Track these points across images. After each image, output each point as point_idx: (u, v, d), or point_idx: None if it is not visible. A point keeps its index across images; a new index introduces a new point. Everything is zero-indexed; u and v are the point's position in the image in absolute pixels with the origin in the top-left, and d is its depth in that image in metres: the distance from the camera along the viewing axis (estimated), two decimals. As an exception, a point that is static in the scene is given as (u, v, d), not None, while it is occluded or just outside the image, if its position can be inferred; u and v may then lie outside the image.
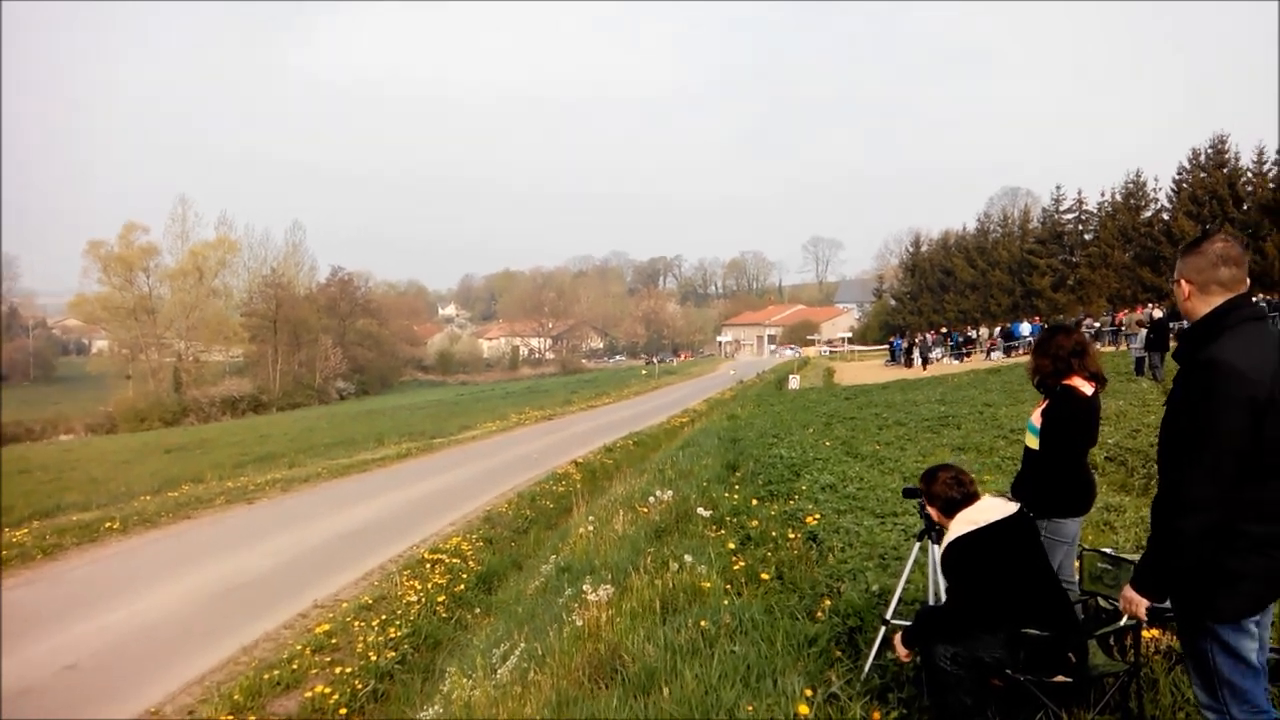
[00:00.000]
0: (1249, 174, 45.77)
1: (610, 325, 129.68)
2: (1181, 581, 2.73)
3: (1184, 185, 48.52)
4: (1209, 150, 47.49)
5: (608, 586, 5.89)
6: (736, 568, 6.39)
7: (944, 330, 50.03)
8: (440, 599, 9.61)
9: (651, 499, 9.38)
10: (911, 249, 72.96)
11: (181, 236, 76.68)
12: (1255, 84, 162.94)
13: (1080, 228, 56.41)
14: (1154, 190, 51.31)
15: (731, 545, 7.12)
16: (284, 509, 15.70)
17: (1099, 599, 3.97)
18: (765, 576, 6.10)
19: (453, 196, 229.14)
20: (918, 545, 4.42)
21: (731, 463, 11.91)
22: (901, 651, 3.72)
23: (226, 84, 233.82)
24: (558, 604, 6.67)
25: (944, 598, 3.84)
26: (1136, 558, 3.16)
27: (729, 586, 5.96)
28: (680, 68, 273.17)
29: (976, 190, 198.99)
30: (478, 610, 9.57)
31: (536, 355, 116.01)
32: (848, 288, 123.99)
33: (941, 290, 63.36)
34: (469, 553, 11.55)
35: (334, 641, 8.45)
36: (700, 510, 8.33)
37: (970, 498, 3.71)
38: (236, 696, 7.20)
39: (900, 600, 4.41)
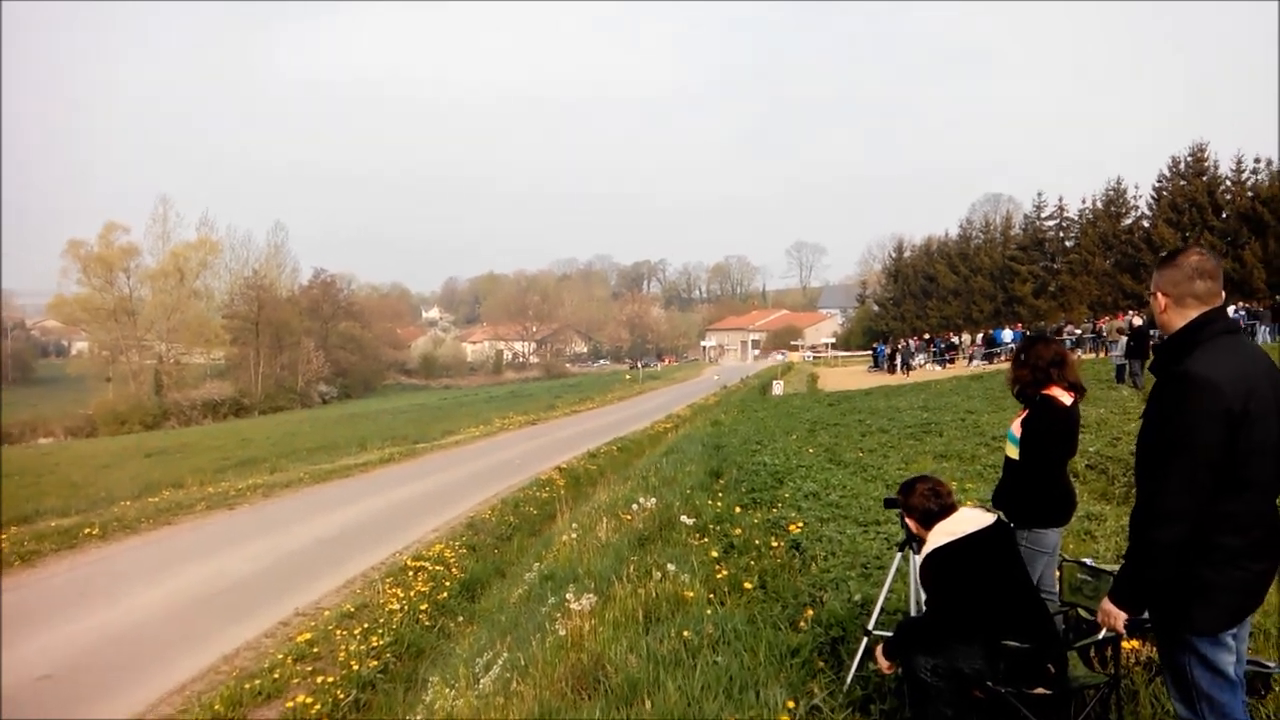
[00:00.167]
0: (1228, 182, 46.16)
1: (594, 329, 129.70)
2: (1159, 594, 2.76)
3: (1164, 193, 48.92)
4: (1188, 159, 47.91)
5: (591, 595, 5.88)
6: (720, 576, 6.39)
7: (927, 336, 50.25)
8: (423, 607, 9.57)
9: (635, 506, 9.39)
10: (894, 255, 73.30)
11: (162, 237, 76.27)
12: (1255, 84, 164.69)
13: (1061, 235, 56.78)
14: (1134, 198, 51.79)
15: (715, 553, 7.12)
16: (265, 515, 15.60)
17: (1079, 610, 4.00)
18: (748, 585, 6.11)
19: (444, 198, 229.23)
20: (899, 555, 4.44)
21: (715, 470, 11.91)
22: (883, 663, 3.74)
23: (215, 84, 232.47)
24: (541, 613, 6.66)
25: (924, 609, 3.87)
26: (1117, 568, 3.19)
27: (712, 595, 5.96)
28: (680, 68, 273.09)
29: (975, 191, 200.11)
30: (461, 618, 9.54)
31: (520, 359, 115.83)
32: (831, 293, 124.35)
33: (924, 296, 63.65)
34: (452, 560, 11.52)
35: (316, 650, 8.39)
36: (684, 518, 8.32)
37: (948, 509, 3.73)
38: (217, 706, 7.13)
39: (883, 610, 4.43)
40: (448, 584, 10.51)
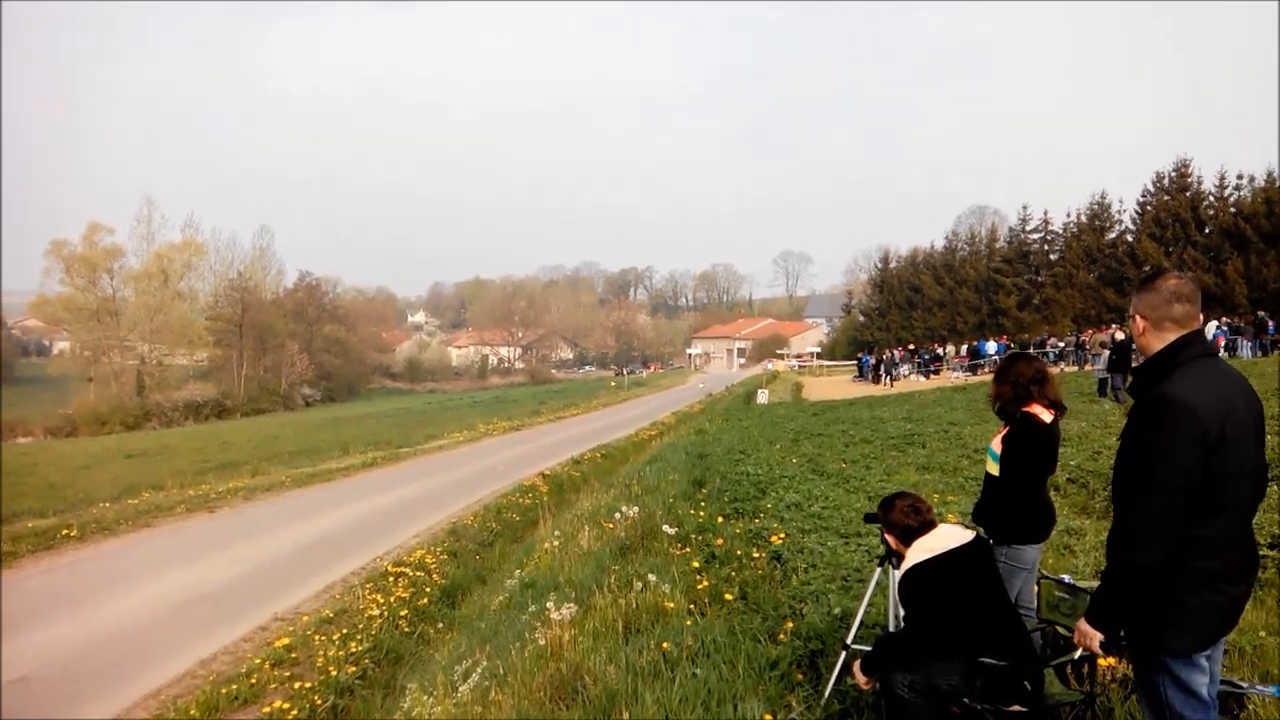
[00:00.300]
0: (1211, 198, 46.55)
1: (580, 336, 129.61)
2: (1134, 616, 2.77)
3: (1148, 208, 49.29)
4: (1172, 174, 48.30)
5: (571, 605, 5.88)
6: (700, 587, 6.39)
7: (911, 347, 50.43)
8: (403, 613, 9.54)
9: (617, 515, 9.37)
10: (880, 265, 73.52)
11: (147, 238, 75.66)
12: (1255, 84, 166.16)
13: (1046, 248, 57.11)
14: (1118, 212, 52.15)
15: (696, 564, 7.12)
16: (246, 518, 15.49)
17: (1057, 627, 4.01)
18: (729, 597, 6.11)
19: (438, 204, 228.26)
20: (879, 570, 4.44)
21: (698, 479, 11.91)
22: (860, 679, 3.74)
23: (208, 85, 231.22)
24: (521, 621, 6.64)
25: (902, 624, 3.87)
26: (1094, 585, 3.21)
27: (692, 606, 5.96)
28: (680, 68, 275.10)
29: (976, 190, 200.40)
30: (440, 625, 9.51)
31: (505, 364, 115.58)
32: (817, 302, 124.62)
33: (909, 307, 63.88)
34: (433, 566, 11.49)
35: (294, 656, 8.35)
36: (666, 527, 8.33)
37: (927, 526, 3.74)
38: (193, 712, 7.11)
39: (862, 624, 4.43)
40: (428, 590, 10.47)
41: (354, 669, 8.00)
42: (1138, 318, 2.92)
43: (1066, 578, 4.30)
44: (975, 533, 3.79)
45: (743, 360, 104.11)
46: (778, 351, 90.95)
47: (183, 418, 63.09)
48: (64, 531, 13.69)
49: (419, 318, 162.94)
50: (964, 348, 44.59)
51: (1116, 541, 2.76)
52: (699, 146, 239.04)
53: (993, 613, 3.57)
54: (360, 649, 8.41)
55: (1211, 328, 31.19)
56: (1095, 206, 52.82)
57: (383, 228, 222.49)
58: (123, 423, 59.97)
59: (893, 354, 46.84)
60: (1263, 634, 4.95)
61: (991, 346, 41.78)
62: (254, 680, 7.70)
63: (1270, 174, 43.41)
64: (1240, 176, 45.13)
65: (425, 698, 6.20)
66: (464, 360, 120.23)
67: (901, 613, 3.86)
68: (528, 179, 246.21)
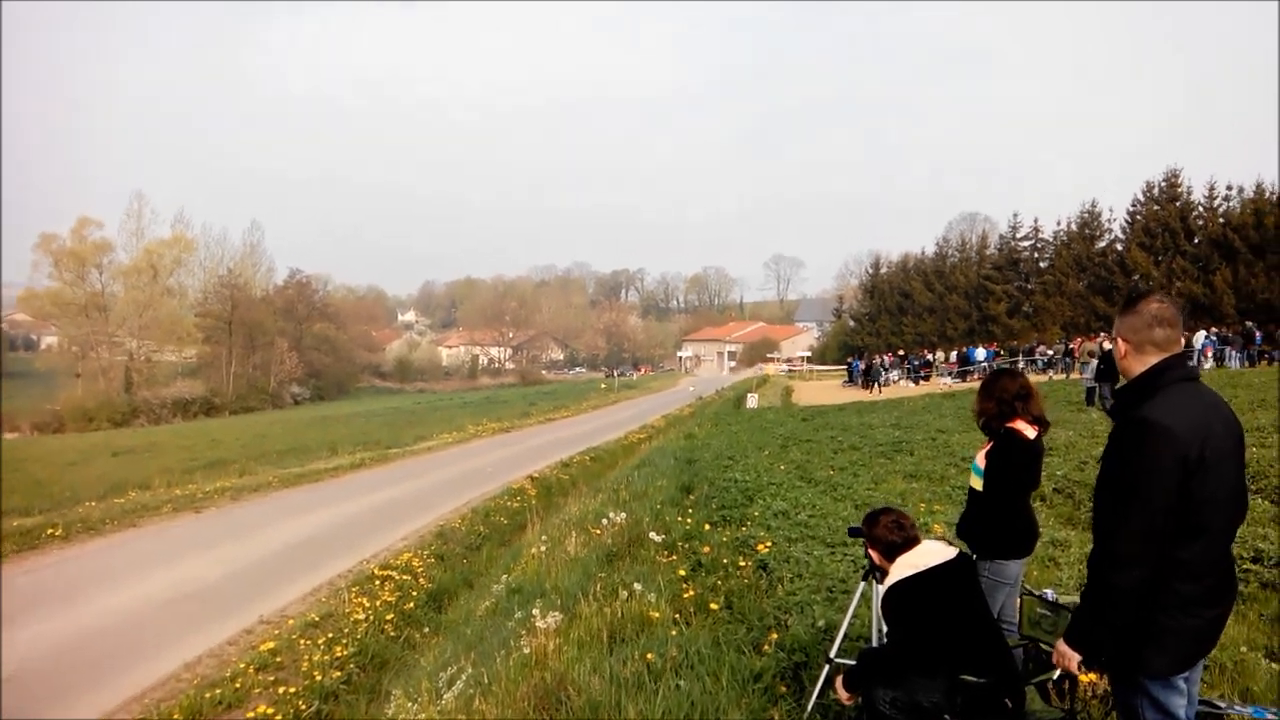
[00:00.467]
0: (1200, 208, 46.78)
1: (571, 337, 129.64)
2: (1114, 637, 2.79)
3: (1138, 217, 49.47)
4: (1162, 183, 48.50)
5: (556, 613, 5.88)
6: (686, 596, 6.40)
7: (901, 353, 50.55)
8: (389, 617, 9.52)
9: (605, 521, 9.38)
10: (871, 270, 73.70)
11: (136, 233, 75.46)
12: (1255, 84, 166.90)
13: (1036, 255, 57.28)
14: (1109, 221, 52.34)
15: (682, 572, 7.13)
16: (233, 519, 15.44)
17: (1039, 644, 4.03)
18: (714, 606, 6.11)
19: (434, 202, 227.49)
20: (863, 583, 4.45)
21: (686, 485, 11.93)
22: (842, 694, 3.75)
23: (205, 83, 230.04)
24: (507, 628, 6.65)
25: (885, 640, 3.89)
26: (1076, 600, 3.23)
27: (678, 616, 5.96)
28: (680, 68, 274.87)
29: (976, 191, 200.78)
30: (427, 629, 9.50)
31: (496, 365, 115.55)
32: (808, 306, 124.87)
33: (900, 313, 64.00)
34: (420, 569, 11.47)
35: (279, 659, 8.33)
36: (653, 535, 8.34)
37: (911, 541, 3.76)
38: (176, 715, 7.08)
39: (845, 637, 4.45)
40: (414, 594, 10.46)
41: (339, 673, 7.98)
42: (1120, 340, 2.95)
43: (1049, 593, 4.31)
44: (958, 549, 3.80)
45: (733, 363, 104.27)
46: (768, 355, 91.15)
47: (171, 415, 62.97)
48: (49, 530, 13.64)
49: (409, 317, 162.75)
50: (954, 354, 44.70)
51: (1097, 563, 2.78)
52: (699, 146, 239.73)
53: (975, 630, 3.59)
54: (345, 653, 8.39)
55: (1200, 338, 31.38)
56: (1085, 215, 53.03)
57: (377, 227, 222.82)
58: (110, 419, 59.81)
59: (882, 359, 46.94)
60: (1244, 649, 4.99)
61: (981, 353, 41.95)
62: (238, 684, 7.67)
63: (1259, 185, 43.68)
64: (1230, 187, 45.40)
65: (410, 704, 6.19)
66: (454, 360, 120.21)
67: (884, 628, 3.87)
68: (526, 179, 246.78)
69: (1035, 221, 57.59)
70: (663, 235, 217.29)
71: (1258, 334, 32.04)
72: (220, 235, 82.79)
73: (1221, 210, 45.66)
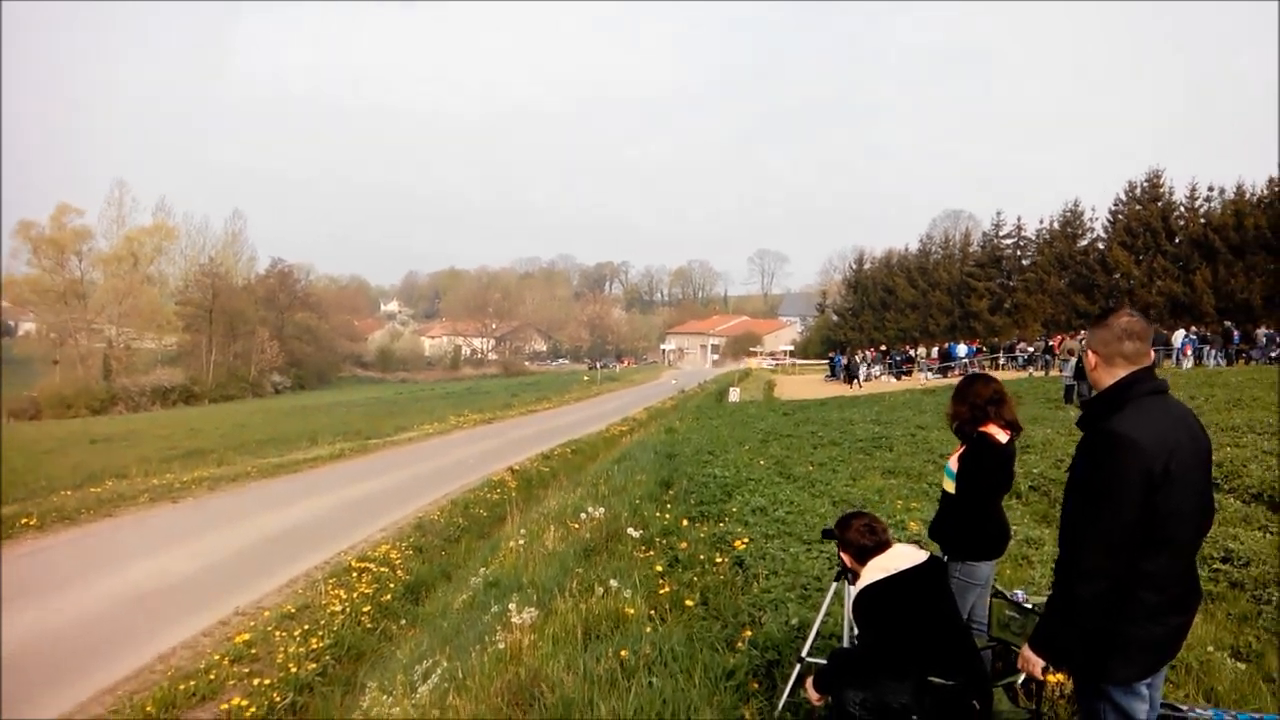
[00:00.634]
0: (1181, 208, 47.17)
1: (554, 328, 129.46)
2: (1078, 644, 2.83)
3: (1119, 216, 49.85)
4: (1144, 184, 48.87)
5: (532, 609, 5.89)
6: (662, 592, 6.42)
7: (884, 348, 50.75)
8: (365, 609, 9.51)
9: (583, 515, 9.39)
10: (855, 266, 73.91)
11: (117, 221, 75.09)
12: (1255, 84, 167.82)
13: (1018, 253, 57.63)
14: (1090, 220, 52.73)
15: (659, 567, 7.15)
16: (210, 509, 15.36)
17: (1009, 645, 4.07)
18: (690, 603, 6.14)
19: (433, 201, 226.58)
20: (835, 584, 4.47)
21: (665, 480, 11.94)
22: (812, 695, 3.78)
23: (200, 84, 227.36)
24: (483, 622, 6.65)
25: (856, 641, 3.91)
26: (1044, 600, 3.26)
27: (653, 612, 5.98)
28: (680, 68, 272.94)
29: (975, 191, 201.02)
30: (403, 622, 9.46)
31: (479, 355, 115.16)
32: (792, 301, 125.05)
33: (883, 308, 64.26)
34: (398, 561, 11.45)
35: (254, 651, 8.33)
36: (630, 530, 8.36)
37: (882, 545, 3.78)
38: (149, 708, 7.06)
39: (818, 635, 4.47)
40: (392, 586, 10.44)
41: (314, 665, 7.96)
42: (1090, 353, 2.99)
43: (1020, 593, 4.36)
44: (929, 553, 3.83)
45: (716, 357, 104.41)
46: (751, 349, 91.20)
47: (150, 403, 62.48)
48: (24, 520, 13.53)
49: (392, 307, 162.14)
50: (935, 350, 44.90)
51: (1062, 573, 2.82)
52: (698, 146, 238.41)
53: (944, 632, 3.62)
54: (321, 645, 8.38)
55: (1179, 336, 31.66)
56: (1068, 214, 53.42)
57: (375, 226, 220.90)
58: (88, 407, 59.29)
59: (864, 355, 47.11)
60: (1211, 649, 5.05)
61: (962, 349, 42.14)
62: (213, 676, 7.67)
63: (1240, 186, 44.11)
64: (1211, 188, 45.84)
65: (384, 698, 6.19)
66: (437, 350, 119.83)
67: (856, 630, 3.90)
68: (523, 178, 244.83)
69: (1018, 219, 58.05)
70: (658, 236, 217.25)
71: (1235, 333, 32.36)
72: (202, 224, 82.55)
73: (1202, 211, 46.10)
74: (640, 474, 12.65)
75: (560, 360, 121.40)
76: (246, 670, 7.87)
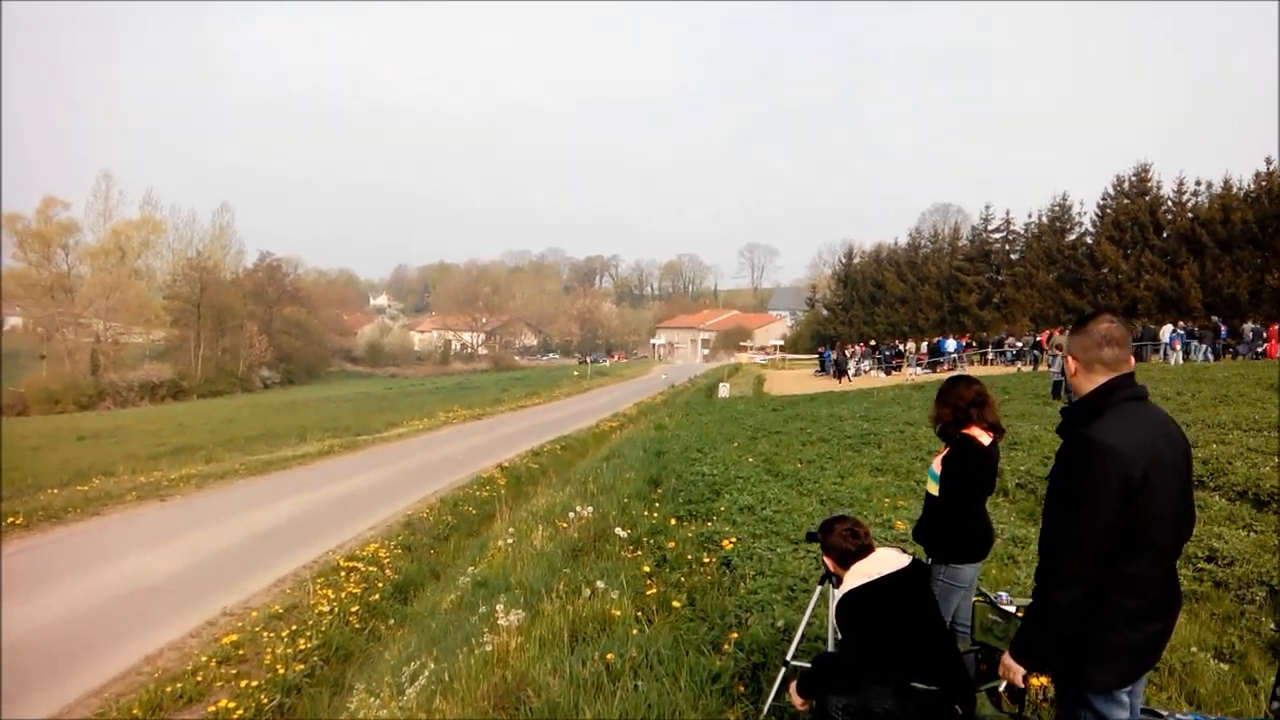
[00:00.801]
0: (1169, 203, 47.34)
1: (545, 323, 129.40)
2: (1058, 650, 2.84)
3: (1107, 211, 50.00)
4: (1132, 178, 49.03)
5: (519, 611, 5.89)
6: (650, 593, 6.43)
7: (873, 343, 50.86)
8: (354, 609, 9.51)
9: (571, 514, 9.39)
10: (844, 260, 74.01)
11: (104, 214, 74.65)
12: (1255, 84, 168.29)
13: (1007, 247, 57.78)
14: (1079, 214, 52.90)
15: (647, 568, 7.16)
16: (198, 508, 15.30)
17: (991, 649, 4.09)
18: (677, 604, 6.15)
19: (433, 201, 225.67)
20: (820, 587, 4.48)
21: (654, 478, 11.95)
22: (796, 700, 3.79)
23: (197, 83, 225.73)
24: (470, 623, 6.65)
25: (839, 646, 3.93)
26: (1027, 603, 3.28)
27: (640, 614, 5.99)
28: (680, 68, 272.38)
29: (973, 193, 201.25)
30: (392, 621, 9.48)
31: (469, 350, 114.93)
32: (782, 295, 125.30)
33: (872, 303, 64.37)
34: (386, 560, 11.44)
35: (241, 652, 8.33)
36: (618, 530, 8.36)
37: (864, 550, 3.79)
38: (136, 710, 7.06)
39: (803, 638, 4.48)
40: (380, 585, 10.44)
41: (302, 667, 7.96)
42: (1070, 359, 3.00)
43: (1004, 594, 4.38)
44: (911, 557, 3.84)
45: (706, 351, 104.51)
46: (741, 343, 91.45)
47: (138, 398, 62.18)
48: (10, 519, 13.45)
49: (381, 301, 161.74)
50: (924, 345, 44.99)
51: (1041, 579, 2.83)
52: (698, 146, 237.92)
53: (926, 637, 3.64)
54: (309, 646, 8.37)
55: (1167, 331, 31.81)
56: (1056, 208, 53.57)
57: (369, 225, 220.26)
58: (76, 402, 58.96)
59: (855, 350, 47.18)
60: (1194, 650, 5.07)
61: (951, 344, 42.25)
62: (199, 678, 7.66)
63: (1227, 181, 44.28)
64: (1198, 183, 46.04)
65: (371, 700, 6.20)
66: (426, 345, 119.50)
67: (839, 635, 3.91)
68: (522, 178, 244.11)
69: (1007, 213, 58.13)
70: (658, 235, 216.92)
71: (1223, 328, 32.52)
72: (189, 217, 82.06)
73: (1190, 205, 46.26)
74: (629, 472, 12.64)
75: (550, 355, 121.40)
76: (234, 672, 7.86)
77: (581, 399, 45.74)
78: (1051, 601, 2.78)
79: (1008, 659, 2.92)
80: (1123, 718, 2.86)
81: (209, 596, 10.06)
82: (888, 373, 41.95)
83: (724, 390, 36.55)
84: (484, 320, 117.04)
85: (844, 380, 38.06)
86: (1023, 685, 2.95)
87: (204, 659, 8.06)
